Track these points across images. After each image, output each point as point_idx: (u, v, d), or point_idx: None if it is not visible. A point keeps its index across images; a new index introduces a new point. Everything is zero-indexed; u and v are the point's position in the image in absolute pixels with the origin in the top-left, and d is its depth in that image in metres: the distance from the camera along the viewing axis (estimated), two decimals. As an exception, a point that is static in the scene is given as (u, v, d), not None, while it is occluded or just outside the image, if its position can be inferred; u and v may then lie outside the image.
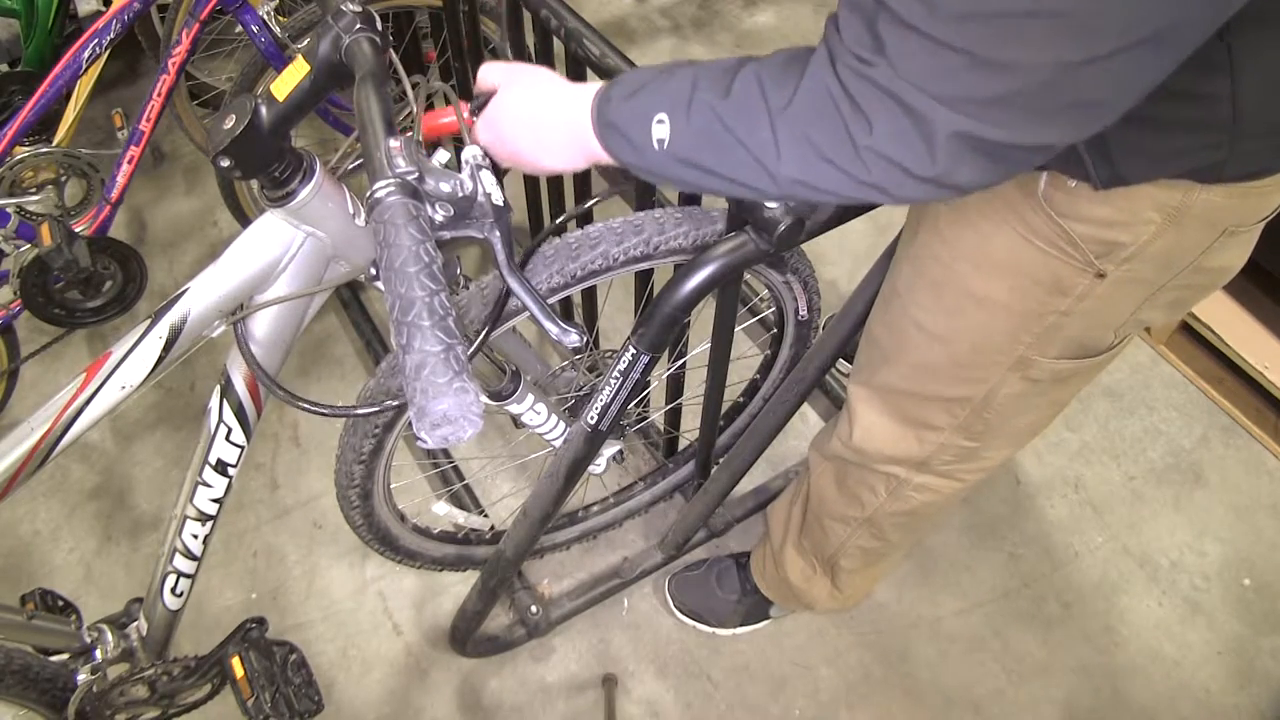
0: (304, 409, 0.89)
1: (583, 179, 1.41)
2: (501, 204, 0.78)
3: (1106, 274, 0.81)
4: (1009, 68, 0.54)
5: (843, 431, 1.16)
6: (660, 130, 0.72)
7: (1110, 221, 0.77)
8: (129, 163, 1.79)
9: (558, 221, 1.05)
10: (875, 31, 0.58)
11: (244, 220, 1.99)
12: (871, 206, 1.03)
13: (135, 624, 1.18)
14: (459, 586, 1.69)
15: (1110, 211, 0.76)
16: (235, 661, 1.13)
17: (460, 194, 0.75)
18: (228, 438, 0.99)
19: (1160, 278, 0.82)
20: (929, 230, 0.93)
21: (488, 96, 0.85)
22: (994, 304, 0.89)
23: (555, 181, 1.54)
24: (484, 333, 0.93)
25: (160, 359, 0.89)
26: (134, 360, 0.88)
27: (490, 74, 0.86)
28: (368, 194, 0.66)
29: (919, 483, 1.13)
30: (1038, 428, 1.08)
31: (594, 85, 0.80)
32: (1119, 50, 0.53)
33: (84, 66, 1.72)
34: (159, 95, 1.75)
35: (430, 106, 2.09)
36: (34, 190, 1.81)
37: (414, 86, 0.91)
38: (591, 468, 1.18)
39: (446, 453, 1.74)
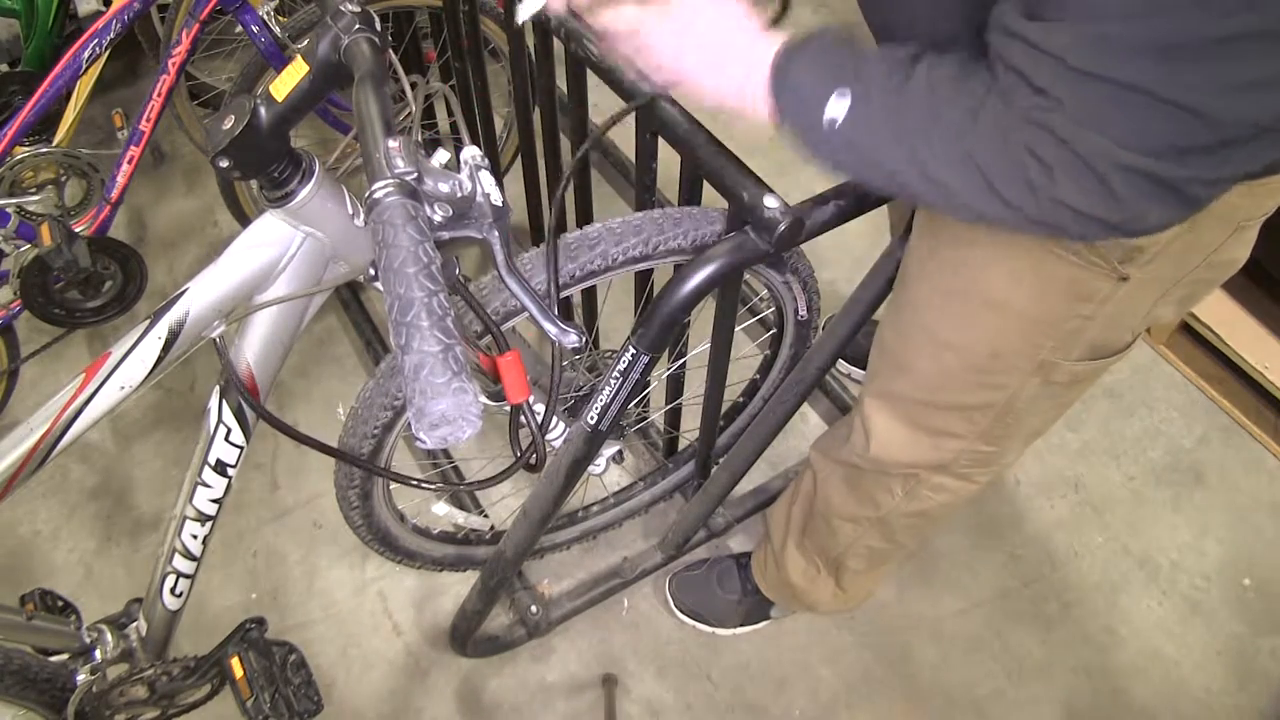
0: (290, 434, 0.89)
1: (583, 179, 1.41)
2: (500, 204, 0.78)
3: (1129, 277, 0.80)
4: (1191, 104, 0.52)
5: (857, 443, 1.14)
6: (837, 108, 0.68)
7: None
8: (129, 163, 1.79)
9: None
10: (1040, 84, 0.56)
11: (244, 220, 1.99)
12: (885, 200, 1.04)
13: (135, 624, 1.18)
14: (459, 586, 1.69)
15: None
16: (235, 662, 1.13)
17: (459, 194, 0.75)
18: (227, 438, 0.99)
19: (1176, 274, 0.82)
20: (945, 239, 0.92)
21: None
22: (1015, 311, 0.88)
23: (555, 182, 1.54)
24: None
25: (160, 359, 0.89)
26: (133, 360, 0.88)
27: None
28: (366, 194, 0.66)
29: (936, 483, 1.13)
30: (1047, 428, 1.08)
31: (774, 37, 0.75)
32: None
33: (84, 66, 1.72)
34: (159, 95, 1.75)
35: (429, 106, 2.09)
36: (34, 190, 1.81)
37: (413, 87, 0.91)
38: (591, 468, 1.18)
39: (446, 453, 1.74)
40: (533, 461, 0.83)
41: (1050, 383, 0.94)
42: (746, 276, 1.40)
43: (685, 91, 0.79)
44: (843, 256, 2.12)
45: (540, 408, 1.13)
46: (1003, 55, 0.60)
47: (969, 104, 0.62)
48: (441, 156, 0.76)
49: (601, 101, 1.29)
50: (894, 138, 0.67)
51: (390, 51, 0.83)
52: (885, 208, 1.33)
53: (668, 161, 1.16)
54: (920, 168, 0.66)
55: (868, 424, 1.11)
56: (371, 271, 0.93)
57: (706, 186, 1.12)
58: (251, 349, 0.93)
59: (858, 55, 0.70)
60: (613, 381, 1.01)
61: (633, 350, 0.98)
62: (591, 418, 1.05)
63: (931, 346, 0.97)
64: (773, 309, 1.42)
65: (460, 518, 1.43)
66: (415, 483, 0.89)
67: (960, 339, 0.94)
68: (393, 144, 0.68)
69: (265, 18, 1.73)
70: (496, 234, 0.80)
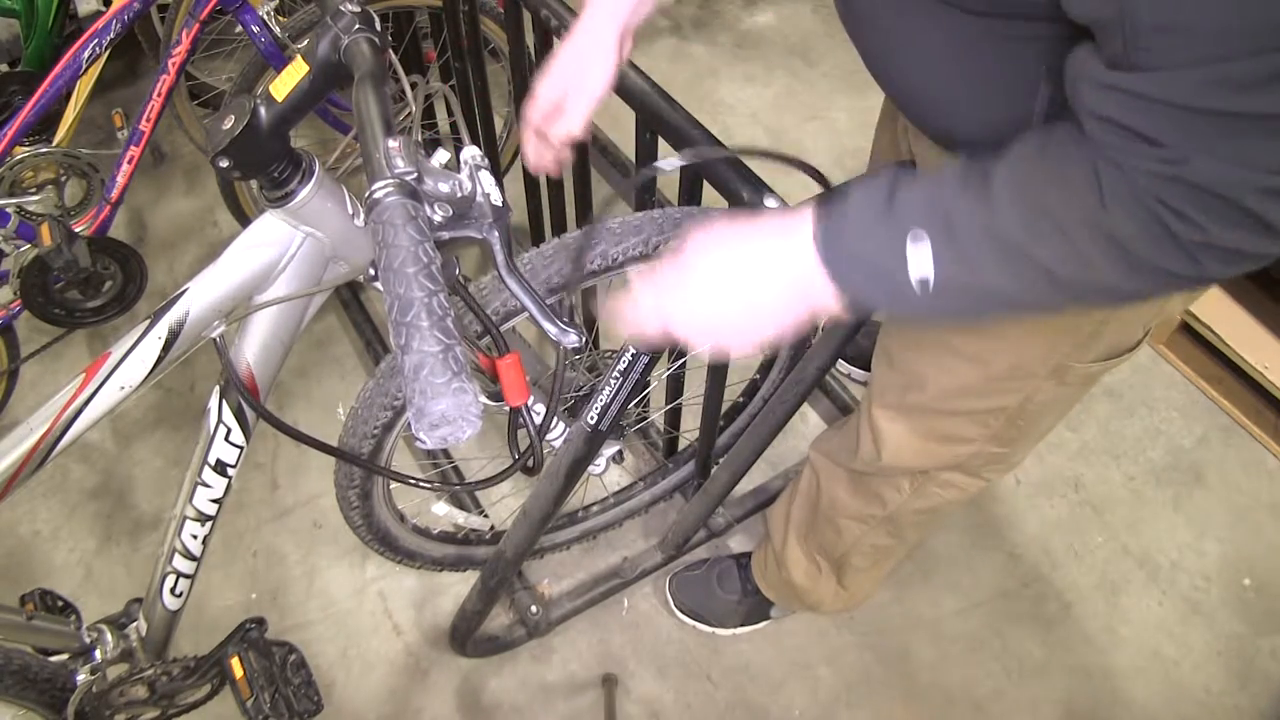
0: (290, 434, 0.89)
1: (582, 179, 1.40)
2: (500, 204, 0.78)
3: None
4: None
5: (867, 453, 1.13)
6: (919, 259, 0.60)
7: None
8: (129, 163, 1.79)
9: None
10: (1147, 133, 0.53)
11: (244, 220, 1.99)
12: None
13: (135, 624, 1.18)
14: (459, 586, 1.69)
15: None
16: (235, 662, 1.13)
17: (459, 194, 0.75)
18: (227, 438, 0.99)
19: None
20: None
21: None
22: (1035, 320, 0.87)
23: (555, 183, 1.54)
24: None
25: (160, 359, 0.89)
26: (133, 360, 0.88)
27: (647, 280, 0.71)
28: (366, 194, 0.66)
29: (945, 479, 1.12)
30: (1056, 424, 1.07)
31: (798, 217, 0.65)
32: None
33: (84, 66, 1.72)
34: (159, 95, 1.75)
35: (429, 106, 2.09)
36: (34, 190, 1.81)
37: (413, 87, 0.91)
38: (591, 468, 1.17)
39: (446, 453, 1.74)
40: (530, 465, 0.82)
41: (1065, 384, 0.94)
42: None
43: (744, 344, 0.68)
44: (843, 256, 2.12)
45: (540, 409, 1.13)
46: (1097, 110, 0.56)
47: (1084, 184, 0.57)
48: (441, 156, 0.76)
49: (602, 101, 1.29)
50: (1005, 259, 0.60)
51: (390, 51, 0.83)
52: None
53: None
54: (1048, 276, 0.60)
55: (879, 436, 1.10)
56: (371, 271, 0.93)
57: (706, 186, 1.12)
58: (251, 349, 0.93)
59: (914, 188, 0.62)
60: (613, 381, 1.01)
61: (633, 350, 0.98)
62: (591, 418, 1.05)
63: (950, 359, 0.96)
64: (773, 309, 1.42)
65: (460, 518, 1.43)
66: (414, 482, 0.89)
67: (981, 350, 0.93)
68: (393, 144, 0.68)
69: (265, 18, 1.73)
70: (496, 234, 0.80)
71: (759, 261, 0.66)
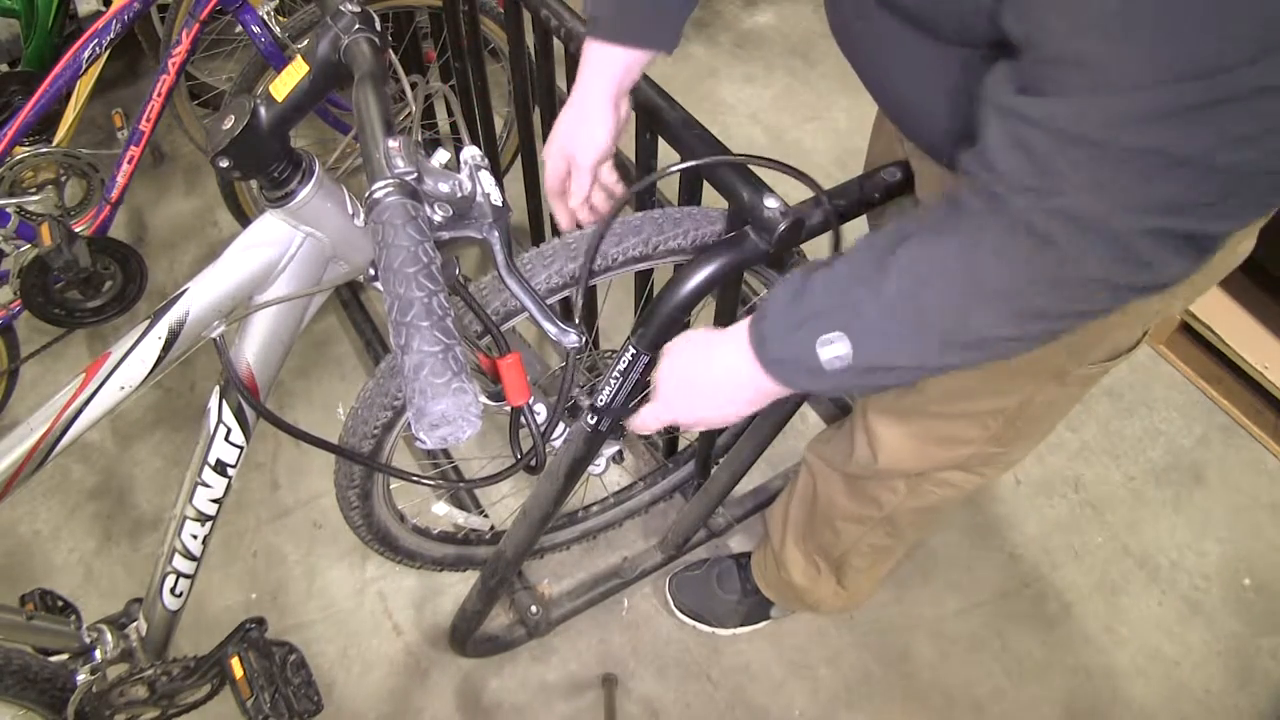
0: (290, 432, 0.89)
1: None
2: (500, 204, 0.78)
3: None
4: (1201, 159, 0.51)
5: (862, 456, 1.13)
6: (835, 350, 0.67)
7: None
8: (129, 163, 1.79)
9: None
10: (1042, 160, 0.54)
11: (244, 220, 1.99)
12: (885, 200, 1.04)
13: (135, 624, 1.18)
14: (459, 586, 1.69)
15: None
16: (235, 662, 1.13)
17: (459, 194, 0.75)
18: (227, 438, 0.99)
19: None
20: None
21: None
22: None
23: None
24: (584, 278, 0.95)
25: (159, 359, 0.89)
26: (133, 360, 0.88)
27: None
28: (366, 194, 0.66)
29: (941, 478, 1.12)
30: (1056, 425, 1.07)
31: (741, 333, 0.76)
32: None
33: (84, 66, 1.72)
34: (159, 95, 1.75)
35: (429, 106, 2.09)
36: (34, 190, 1.81)
37: (413, 87, 0.92)
38: (591, 468, 1.17)
39: (446, 453, 1.74)
40: (533, 463, 0.84)
41: (1064, 384, 0.94)
42: (746, 276, 1.40)
43: (723, 422, 0.83)
44: (843, 256, 2.12)
45: (540, 408, 1.13)
46: (1001, 131, 0.57)
47: (966, 245, 0.60)
48: (441, 156, 0.76)
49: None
50: (910, 334, 0.65)
51: (390, 51, 0.83)
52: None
53: (668, 161, 1.15)
54: (952, 341, 0.64)
55: (875, 440, 1.09)
56: (371, 271, 0.93)
57: (706, 186, 1.12)
58: (251, 349, 0.93)
59: (814, 291, 0.69)
60: (613, 381, 1.01)
61: (633, 350, 0.98)
62: (592, 418, 1.05)
63: None
64: (773, 309, 1.42)
65: (460, 518, 1.43)
66: (415, 479, 0.89)
67: None
68: (393, 144, 0.68)
69: (265, 18, 1.73)
70: (496, 234, 0.80)
71: (718, 369, 0.78)
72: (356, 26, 0.78)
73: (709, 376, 0.80)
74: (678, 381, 0.83)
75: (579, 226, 1.08)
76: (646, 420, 0.87)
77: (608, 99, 0.95)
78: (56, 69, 1.70)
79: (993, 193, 0.58)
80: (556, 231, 1.11)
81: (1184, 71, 0.48)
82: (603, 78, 0.95)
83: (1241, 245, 0.83)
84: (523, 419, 0.83)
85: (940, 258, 0.63)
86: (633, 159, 1.22)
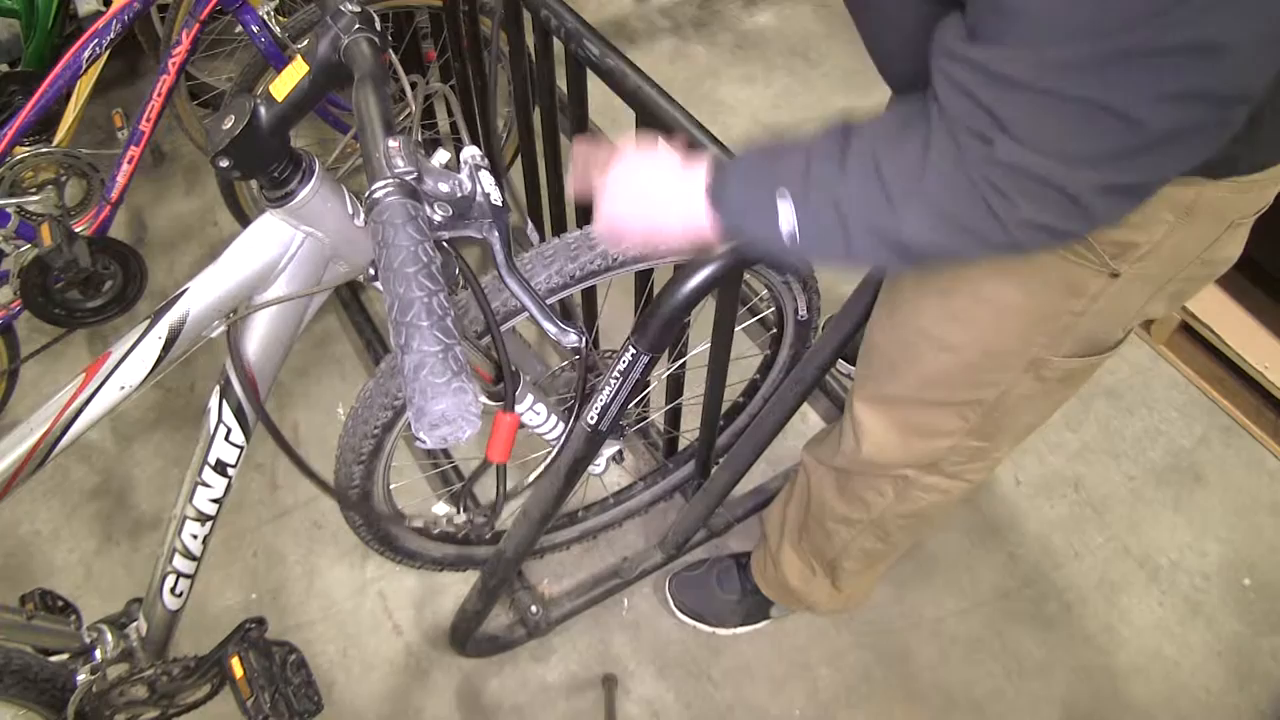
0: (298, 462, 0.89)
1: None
2: (500, 204, 0.78)
3: (1120, 274, 0.81)
4: (1130, 111, 0.53)
5: (848, 446, 1.14)
6: (786, 216, 0.70)
7: (1125, 223, 0.77)
8: (129, 163, 1.79)
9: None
10: (985, 104, 0.57)
11: (244, 220, 1.99)
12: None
13: (135, 624, 1.18)
14: (459, 586, 1.69)
15: None
16: (235, 662, 1.13)
17: (459, 194, 0.75)
18: (227, 438, 0.99)
19: (1169, 272, 0.83)
20: None
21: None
22: (1006, 308, 0.88)
23: (555, 183, 1.54)
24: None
25: (159, 359, 0.89)
26: (133, 360, 0.88)
27: (587, 154, 0.86)
28: (366, 194, 0.66)
29: (927, 483, 1.13)
30: (1039, 424, 1.08)
31: (697, 168, 0.78)
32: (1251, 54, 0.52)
33: (84, 66, 1.72)
34: (159, 95, 1.75)
35: (429, 106, 2.09)
36: (34, 190, 1.81)
37: (413, 86, 0.92)
38: (591, 468, 1.18)
39: (446, 453, 1.74)
40: (485, 527, 0.85)
41: (1042, 379, 0.94)
42: (746, 276, 1.40)
43: (656, 244, 0.84)
44: (843, 256, 2.12)
45: (540, 408, 1.13)
46: (948, 75, 0.60)
47: (915, 155, 0.63)
48: (441, 156, 0.76)
49: (602, 100, 1.29)
50: (850, 221, 0.67)
51: (390, 51, 0.83)
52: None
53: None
54: (887, 239, 0.67)
55: (858, 427, 1.11)
56: (371, 271, 0.93)
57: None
58: (251, 349, 0.93)
59: (784, 150, 0.71)
60: (613, 381, 1.01)
61: (633, 350, 0.98)
62: (591, 418, 1.05)
63: (925, 346, 0.97)
64: (773, 309, 1.42)
65: (460, 518, 1.43)
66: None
67: (953, 337, 0.94)
68: (393, 144, 0.68)
69: (265, 18, 1.73)
70: (496, 233, 0.80)
71: (661, 195, 0.80)
72: (356, 26, 0.78)
73: (648, 205, 0.81)
74: (617, 199, 0.83)
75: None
76: (599, 215, 0.87)
77: None
78: (56, 69, 1.70)
79: (947, 122, 0.61)
80: (557, 231, 1.11)
81: (1110, 24, 0.51)
82: None
83: (1229, 251, 0.83)
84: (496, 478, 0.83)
85: (894, 159, 0.65)
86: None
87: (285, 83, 0.79)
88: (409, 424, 0.58)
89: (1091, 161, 0.57)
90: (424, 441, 0.57)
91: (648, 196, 0.81)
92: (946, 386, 0.99)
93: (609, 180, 0.83)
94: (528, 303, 0.85)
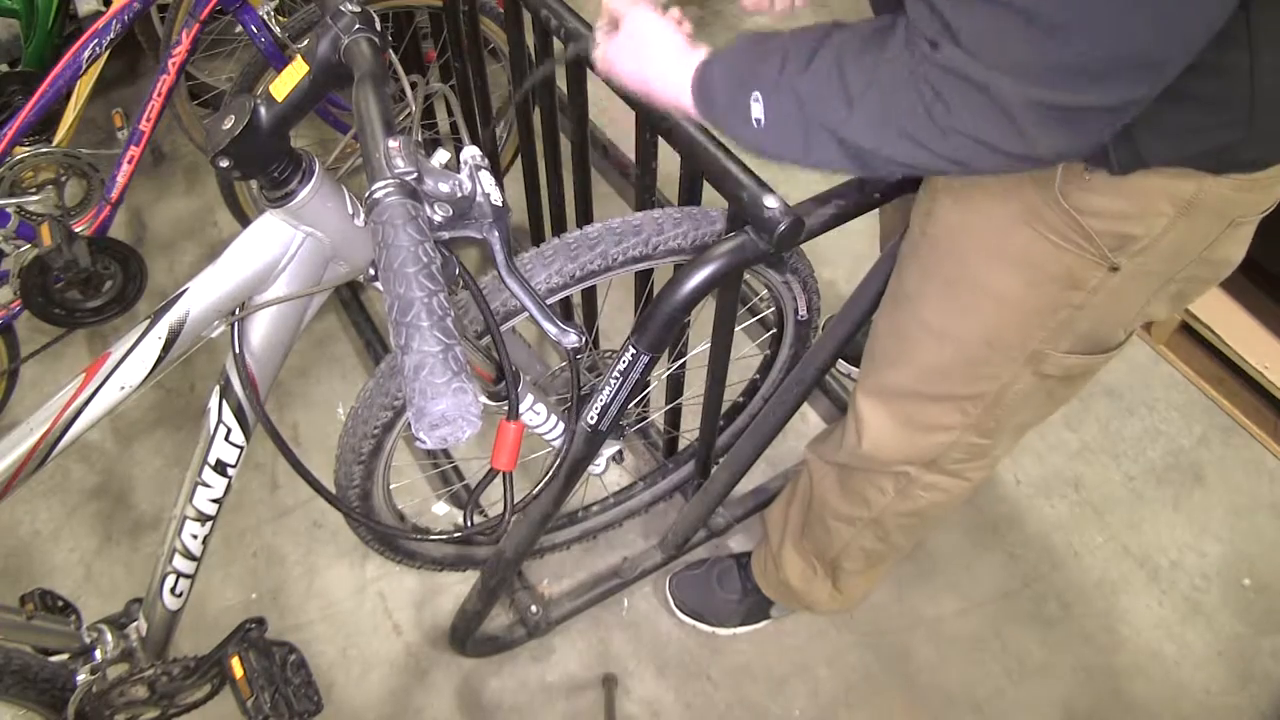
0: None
1: (583, 179, 1.41)
2: (500, 204, 0.78)
3: (1120, 267, 0.81)
4: (1066, 25, 0.56)
5: (850, 441, 1.14)
6: (756, 111, 0.75)
7: (1124, 214, 0.77)
8: (129, 163, 1.79)
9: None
10: (939, 9, 0.60)
11: (244, 220, 1.99)
12: (886, 200, 1.04)
13: (135, 624, 1.18)
14: (459, 586, 1.69)
15: (1124, 204, 0.77)
16: (235, 662, 1.13)
17: (459, 194, 0.75)
18: (227, 438, 0.99)
19: (1169, 270, 0.83)
20: (939, 228, 0.93)
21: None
22: (1007, 299, 0.88)
23: (555, 184, 1.54)
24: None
25: (159, 359, 0.89)
26: (133, 360, 0.88)
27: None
28: (366, 194, 0.66)
29: (928, 481, 1.13)
30: (1038, 423, 1.08)
31: (690, 58, 0.84)
32: None
33: (84, 66, 1.72)
34: (159, 95, 1.75)
35: (429, 106, 2.09)
36: (34, 190, 1.81)
37: (413, 86, 0.92)
38: (591, 468, 1.18)
39: (446, 453, 1.74)
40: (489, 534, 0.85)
41: (1042, 375, 0.94)
42: (746, 276, 1.40)
43: (646, 93, 0.90)
44: (842, 256, 2.12)
45: (540, 408, 1.13)
46: (905, 7, 0.64)
47: (874, 58, 0.67)
48: (441, 156, 0.76)
49: (602, 101, 1.29)
50: (809, 118, 0.71)
51: (390, 51, 0.83)
52: (877, 218, 1.32)
53: (668, 161, 1.16)
54: (838, 136, 0.70)
55: (860, 421, 1.11)
56: (371, 271, 0.93)
57: (706, 186, 1.12)
58: (251, 349, 0.93)
59: (766, 50, 0.76)
60: (613, 381, 1.01)
61: (633, 350, 0.98)
62: (591, 418, 1.05)
63: (926, 338, 0.98)
64: (773, 309, 1.42)
65: (460, 517, 1.43)
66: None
67: (955, 329, 0.95)
68: (393, 144, 0.68)
69: (265, 18, 1.73)
70: (496, 233, 0.80)
71: (656, 67, 0.87)
72: (356, 26, 0.78)
73: (642, 64, 0.88)
74: (634, 38, 0.89)
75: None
76: (602, 54, 0.92)
77: None
78: (56, 69, 1.70)
79: (907, 29, 0.65)
80: (557, 231, 1.11)
81: None
82: None
83: (1232, 252, 0.83)
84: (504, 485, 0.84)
85: (858, 61, 0.68)
86: (633, 159, 1.22)
87: (285, 83, 0.79)
88: (409, 424, 0.57)
89: (1023, 69, 0.58)
90: (424, 442, 0.57)
91: (647, 60, 0.87)
92: (947, 379, 1.00)
93: (622, 24, 0.89)
94: (527, 303, 0.85)
